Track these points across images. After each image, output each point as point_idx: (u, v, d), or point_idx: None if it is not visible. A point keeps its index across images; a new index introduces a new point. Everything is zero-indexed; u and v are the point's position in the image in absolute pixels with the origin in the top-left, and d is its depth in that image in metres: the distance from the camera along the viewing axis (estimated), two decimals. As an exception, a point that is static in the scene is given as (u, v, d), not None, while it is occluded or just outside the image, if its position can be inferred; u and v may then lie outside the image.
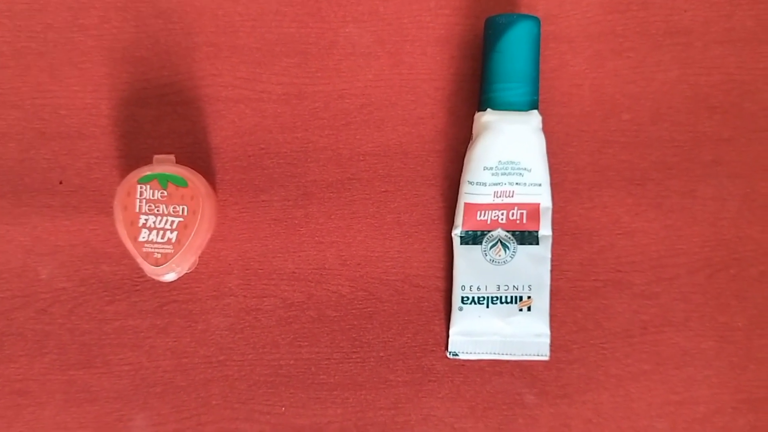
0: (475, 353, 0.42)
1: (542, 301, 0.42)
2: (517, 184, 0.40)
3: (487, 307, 0.41)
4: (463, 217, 0.41)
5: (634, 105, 0.43)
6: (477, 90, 0.43)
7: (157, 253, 0.38)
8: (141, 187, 0.38)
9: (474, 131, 0.41)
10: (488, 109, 0.40)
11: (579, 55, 0.43)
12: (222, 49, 0.43)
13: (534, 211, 0.41)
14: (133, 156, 0.42)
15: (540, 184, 0.41)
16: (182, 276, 0.41)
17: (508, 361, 0.42)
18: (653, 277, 0.43)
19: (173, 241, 0.38)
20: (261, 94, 0.43)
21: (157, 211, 0.38)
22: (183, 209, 0.38)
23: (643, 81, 0.43)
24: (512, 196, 0.41)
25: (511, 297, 0.41)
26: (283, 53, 0.43)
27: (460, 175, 0.42)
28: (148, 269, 0.38)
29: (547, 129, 0.43)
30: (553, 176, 0.43)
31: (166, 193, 0.38)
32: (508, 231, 0.41)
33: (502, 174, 0.40)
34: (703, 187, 0.43)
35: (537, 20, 0.40)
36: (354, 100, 0.43)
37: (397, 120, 0.43)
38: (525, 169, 0.40)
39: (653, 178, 0.43)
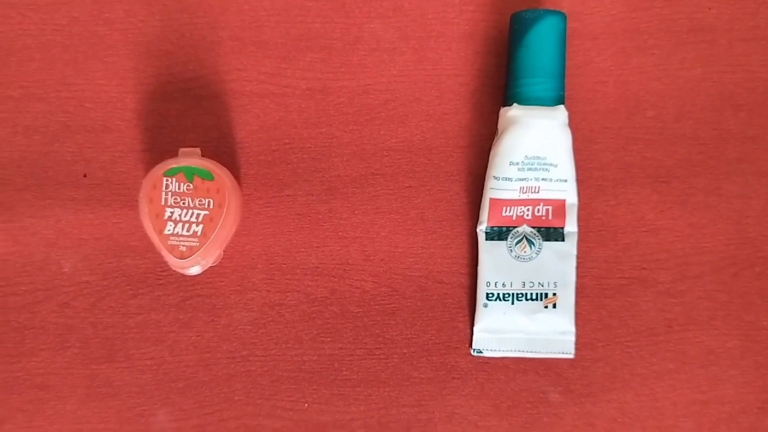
0: (499, 351, 0.42)
1: (567, 299, 0.41)
2: (543, 179, 0.40)
3: (512, 303, 0.41)
4: (489, 212, 0.41)
5: (658, 102, 0.43)
6: (501, 86, 0.43)
7: (183, 246, 0.38)
8: (167, 180, 0.38)
9: (499, 126, 0.41)
10: (514, 104, 0.40)
11: (603, 52, 0.43)
12: (247, 44, 0.43)
13: (560, 207, 0.41)
14: (157, 150, 0.42)
15: (566, 180, 0.41)
16: (206, 270, 0.41)
17: (532, 359, 0.42)
18: (678, 275, 0.43)
19: (199, 234, 0.38)
20: (285, 89, 0.43)
21: (183, 204, 0.38)
22: (209, 202, 0.38)
23: (668, 78, 0.43)
24: (538, 192, 0.41)
25: (537, 294, 0.41)
26: (307, 48, 0.43)
27: (485, 171, 0.41)
28: (173, 262, 0.38)
29: (571, 126, 0.43)
30: (577, 173, 0.42)
31: (192, 186, 0.38)
32: (533, 227, 0.41)
33: (528, 169, 0.40)
34: (728, 185, 0.43)
35: (563, 15, 0.40)
36: (378, 96, 0.43)
37: (421, 115, 0.43)
38: (551, 164, 0.40)
39: (678, 176, 0.43)
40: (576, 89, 0.43)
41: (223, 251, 0.41)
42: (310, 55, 0.43)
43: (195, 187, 0.38)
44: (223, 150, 0.42)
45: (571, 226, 0.41)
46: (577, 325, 0.42)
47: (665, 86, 0.43)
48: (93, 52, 0.42)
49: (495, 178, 0.40)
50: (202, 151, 0.42)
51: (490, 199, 0.41)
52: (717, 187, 0.43)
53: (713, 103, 0.43)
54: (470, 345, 0.42)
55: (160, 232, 0.38)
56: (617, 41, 0.43)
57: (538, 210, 0.41)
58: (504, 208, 0.41)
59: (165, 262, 0.41)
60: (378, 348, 0.42)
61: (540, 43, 0.39)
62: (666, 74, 0.43)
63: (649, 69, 0.43)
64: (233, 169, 0.42)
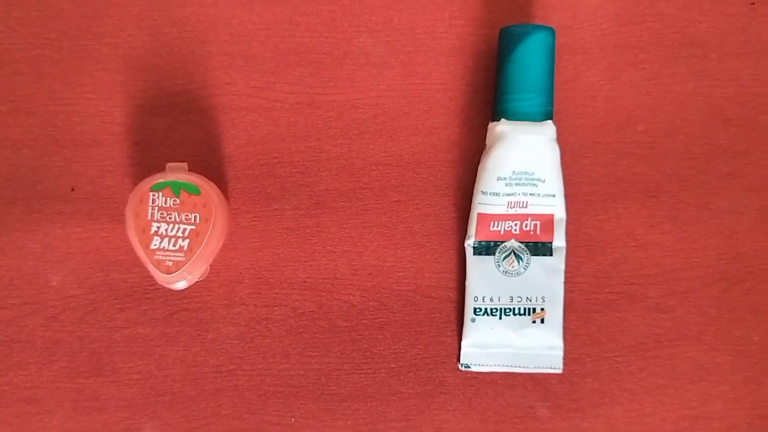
0: (487, 365, 0.41)
1: (555, 314, 0.41)
2: (530, 194, 0.40)
3: (500, 318, 0.41)
4: (476, 227, 0.41)
5: (648, 117, 0.43)
6: (490, 100, 0.43)
7: (169, 260, 0.38)
8: (153, 195, 0.38)
9: (488, 141, 0.41)
10: (502, 119, 0.40)
11: (593, 66, 0.43)
12: (236, 58, 0.43)
13: (548, 222, 0.41)
14: (145, 164, 0.42)
15: (554, 195, 0.40)
16: (193, 284, 0.41)
17: (520, 374, 0.42)
18: (668, 290, 0.42)
19: (185, 248, 0.38)
20: (274, 103, 0.43)
21: (169, 218, 0.38)
22: (195, 217, 0.38)
23: (658, 93, 0.43)
24: (526, 207, 0.40)
25: (524, 309, 0.41)
26: (296, 63, 0.43)
27: (473, 186, 0.41)
28: (160, 277, 0.38)
29: (561, 140, 0.43)
30: (567, 188, 0.42)
31: (178, 201, 0.38)
32: (521, 242, 0.41)
33: (516, 184, 0.40)
34: (719, 200, 0.43)
35: (552, 31, 0.40)
36: (367, 110, 0.43)
37: (410, 130, 0.43)
38: (539, 179, 0.40)
39: (668, 191, 0.43)
40: (566, 104, 0.43)
41: (210, 266, 0.41)
42: (299, 70, 0.43)
43: (181, 202, 0.38)
44: (211, 164, 0.42)
45: (559, 241, 0.41)
46: (565, 340, 0.42)
47: (656, 101, 0.43)
48: (82, 66, 0.43)
49: (483, 192, 0.40)
50: (189, 166, 0.42)
51: (478, 213, 0.41)
52: (707, 202, 0.43)
53: (704, 118, 0.43)
54: (458, 360, 0.42)
55: (147, 246, 0.38)
56: (608, 56, 0.43)
57: (526, 225, 0.41)
58: (492, 222, 0.41)
59: (152, 277, 0.41)
60: (365, 363, 0.42)
61: (528, 59, 0.39)
62: (656, 89, 0.43)
63: (640, 83, 0.43)
64: (221, 183, 0.42)
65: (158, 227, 0.38)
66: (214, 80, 0.43)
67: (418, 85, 0.43)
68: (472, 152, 0.43)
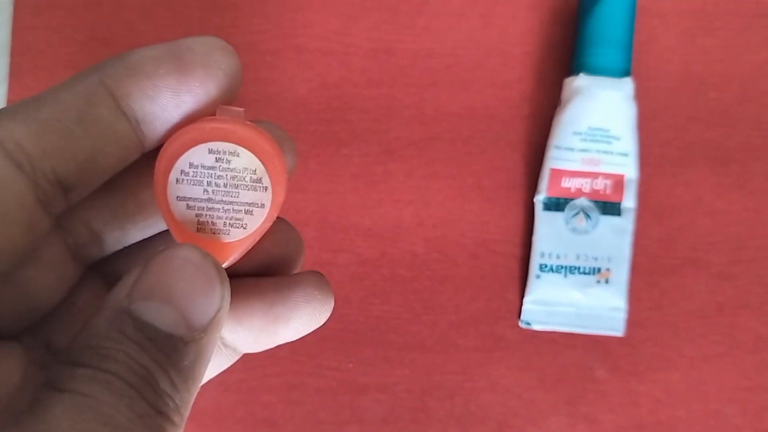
0: (548, 324, 0.41)
1: (621, 275, 0.41)
2: (604, 152, 0.40)
3: (565, 276, 0.41)
4: (548, 182, 0.41)
5: (721, 84, 0.43)
6: (564, 57, 0.43)
7: None
8: None
9: (564, 96, 0.40)
10: (581, 74, 0.39)
11: (669, 30, 0.43)
12: (313, 1, 0.42)
13: (619, 181, 0.41)
14: (218, 100, 0.42)
15: (627, 155, 0.40)
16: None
17: (581, 334, 0.42)
18: (732, 259, 0.42)
19: None
20: (349, 48, 0.42)
21: None
22: None
23: (732, 61, 0.43)
24: (598, 165, 0.40)
25: (590, 268, 0.41)
26: (373, 8, 0.43)
27: (545, 142, 0.41)
28: None
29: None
30: (638, 149, 0.42)
31: None
32: (591, 200, 0.41)
33: (591, 140, 0.40)
34: (787, 171, 0.43)
35: (635, -12, 0.40)
36: (442, 60, 0.43)
37: (484, 82, 0.43)
38: (614, 137, 0.40)
39: (737, 159, 0.43)
40: (640, 66, 0.43)
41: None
42: (376, 15, 0.43)
43: None
44: (283, 106, 0.42)
45: (628, 202, 0.41)
46: (628, 302, 0.42)
47: (728, 68, 0.43)
48: (161, 0, 0.42)
49: (557, 147, 0.40)
50: (260, 107, 0.42)
51: (551, 169, 0.40)
52: (776, 173, 0.43)
53: (776, 89, 0.43)
54: (519, 317, 0.42)
55: None
56: (683, 21, 0.43)
57: (597, 183, 0.41)
58: (564, 178, 0.40)
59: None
60: (426, 313, 0.42)
61: (611, 14, 0.39)
62: (730, 56, 0.43)
63: (713, 50, 0.43)
64: (293, 124, 0.42)
65: None
66: (291, 21, 0.42)
67: (495, 38, 0.43)
68: (545, 108, 0.42)
